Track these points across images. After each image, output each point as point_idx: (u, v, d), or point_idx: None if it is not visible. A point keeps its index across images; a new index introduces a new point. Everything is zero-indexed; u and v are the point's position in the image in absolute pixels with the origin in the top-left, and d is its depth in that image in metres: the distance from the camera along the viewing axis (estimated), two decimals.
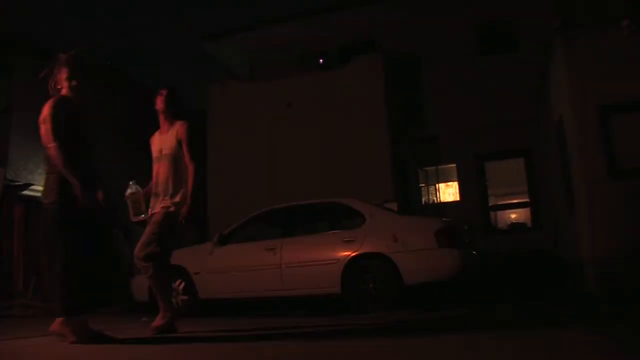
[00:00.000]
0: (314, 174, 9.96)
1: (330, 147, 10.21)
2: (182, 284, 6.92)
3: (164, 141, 4.38)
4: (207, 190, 10.97)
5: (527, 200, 11.41)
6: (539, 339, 3.32)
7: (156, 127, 4.56)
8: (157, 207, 4.22)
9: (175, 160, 4.29)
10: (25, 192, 10.67)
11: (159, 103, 4.42)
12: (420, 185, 12.12)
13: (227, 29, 13.54)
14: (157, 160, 4.37)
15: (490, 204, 11.66)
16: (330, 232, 6.86)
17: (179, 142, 4.29)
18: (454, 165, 11.81)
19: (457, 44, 11.60)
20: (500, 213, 12.30)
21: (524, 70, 10.43)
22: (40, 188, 13.59)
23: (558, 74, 8.16)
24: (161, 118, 4.47)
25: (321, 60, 11.91)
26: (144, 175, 4.59)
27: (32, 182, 11.56)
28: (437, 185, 12.18)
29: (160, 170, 4.32)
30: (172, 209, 4.17)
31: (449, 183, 12.30)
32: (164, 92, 4.43)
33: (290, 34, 12.71)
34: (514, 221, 12.41)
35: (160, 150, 4.36)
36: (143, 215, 4.23)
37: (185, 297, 6.89)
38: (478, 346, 3.12)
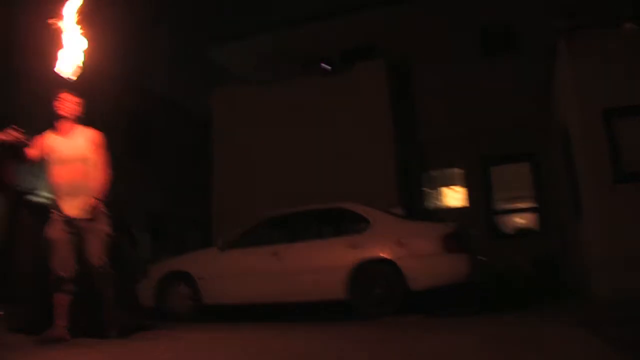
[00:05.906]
0: (318, 179, 9.93)
1: (335, 151, 10.19)
2: (187, 289, 6.90)
3: (73, 144, 4.42)
4: (211, 194, 10.97)
5: (534, 205, 11.33)
6: (540, 340, 3.29)
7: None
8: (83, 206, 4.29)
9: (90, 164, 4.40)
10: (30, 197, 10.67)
11: (75, 109, 4.44)
12: (425, 189, 12.06)
13: (233, 33, 13.56)
14: (67, 163, 4.38)
15: (496, 209, 11.59)
16: (335, 237, 6.82)
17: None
18: (460, 169, 11.75)
19: (461, 46, 11.55)
20: (506, 218, 12.21)
21: (530, 72, 10.36)
22: (45, 194, 13.53)
23: (563, 76, 8.13)
24: (68, 122, 4.46)
25: (326, 65, 11.89)
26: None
27: (36, 187, 11.54)
28: (442, 189, 12.12)
29: (74, 172, 4.34)
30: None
31: (455, 187, 12.23)
32: (77, 99, 4.47)
33: (296, 38, 12.73)
34: (520, 226, 12.32)
35: (71, 153, 4.40)
36: None
37: (190, 302, 6.87)
38: (487, 348, 3.09)
